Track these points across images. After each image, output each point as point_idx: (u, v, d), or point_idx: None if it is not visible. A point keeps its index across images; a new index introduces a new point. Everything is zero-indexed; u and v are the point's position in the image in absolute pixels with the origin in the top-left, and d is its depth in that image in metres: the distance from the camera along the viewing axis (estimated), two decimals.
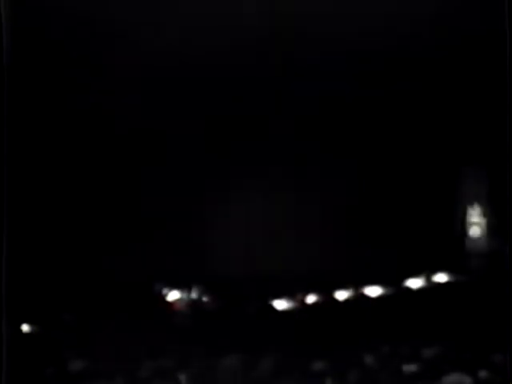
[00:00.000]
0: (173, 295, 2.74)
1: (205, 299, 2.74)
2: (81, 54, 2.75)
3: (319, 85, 2.75)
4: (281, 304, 2.74)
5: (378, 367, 2.69)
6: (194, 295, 2.74)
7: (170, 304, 2.73)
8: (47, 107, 2.75)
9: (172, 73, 2.75)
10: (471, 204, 2.79)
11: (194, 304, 2.74)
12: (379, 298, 2.74)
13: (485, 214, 2.77)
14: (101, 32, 2.75)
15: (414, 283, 2.74)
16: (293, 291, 2.75)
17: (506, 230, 2.71)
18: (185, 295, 2.74)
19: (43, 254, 2.71)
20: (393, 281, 2.74)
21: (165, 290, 2.74)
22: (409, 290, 2.74)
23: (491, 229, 2.77)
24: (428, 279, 2.75)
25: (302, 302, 2.75)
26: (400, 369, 2.69)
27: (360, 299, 2.73)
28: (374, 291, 2.74)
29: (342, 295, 2.74)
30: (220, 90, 2.75)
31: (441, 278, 2.74)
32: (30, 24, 2.74)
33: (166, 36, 2.73)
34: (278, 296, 2.75)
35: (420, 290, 2.74)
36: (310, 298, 2.75)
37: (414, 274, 2.75)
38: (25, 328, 2.68)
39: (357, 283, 2.75)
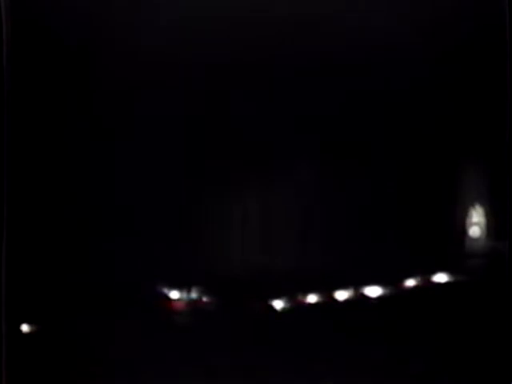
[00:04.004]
0: (173, 295, 2.74)
1: (205, 299, 2.74)
2: (82, 50, 2.75)
3: (317, 81, 2.75)
4: (281, 304, 2.75)
5: (378, 367, 2.69)
6: (193, 295, 2.75)
7: (170, 304, 2.73)
8: (48, 106, 2.75)
9: (172, 71, 2.75)
10: (471, 204, 2.79)
11: (194, 304, 2.74)
12: (379, 298, 2.74)
13: (485, 214, 2.77)
14: (102, 29, 2.76)
15: (414, 283, 2.74)
16: (293, 291, 2.75)
17: (506, 230, 2.71)
18: (185, 295, 2.74)
19: (43, 253, 2.71)
20: (393, 281, 2.74)
21: (165, 290, 2.74)
22: (408, 290, 2.74)
23: (491, 229, 2.76)
24: (428, 279, 2.74)
25: (303, 302, 2.75)
26: (399, 369, 2.69)
27: (360, 299, 2.73)
28: (373, 291, 2.74)
29: (341, 295, 2.74)
30: (218, 89, 2.76)
31: (441, 278, 2.74)
32: (31, 19, 2.74)
33: (163, 34, 2.74)
34: (278, 296, 2.75)
35: (419, 290, 2.74)
36: (311, 298, 2.75)
37: (414, 274, 2.74)
38: (25, 328, 2.69)
39: (357, 283, 2.75)
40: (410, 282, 2.74)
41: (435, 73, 2.75)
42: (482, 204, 2.77)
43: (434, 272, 2.74)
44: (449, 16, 2.75)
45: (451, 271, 2.74)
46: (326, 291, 2.74)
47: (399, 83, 2.74)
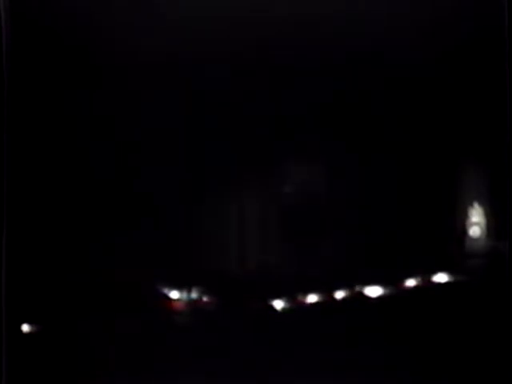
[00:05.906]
0: (173, 295, 2.74)
1: (205, 299, 2.74)
2: (82, 48, 2.75)
3: (316, 82, 2.75)
4: (281, 304, 2.75)
5: (378, 367, 2.69)
6: (193, 295, 2.74)
7: (170, 304, 2.73)
8: (48, 106, 2.75)
9: (172, 71, 2.75)
10: (471, 204, 2.79)
11: (194, 304, 2.74)
12: (379, 298, 2.73)
13: (485, 214, 2.77)
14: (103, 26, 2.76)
15: (414, 283, 2.74)
16: (293, 291, 2.75)
17: (506, 230, 2.71)
18: (185, 295, 2.74)
19: (43, 253, 2.71)
20: (393, 281, 2.74)
21: (165, 290, 2.74)
22: (408, 290, 2.74)
23: (491, 229, 2.76)
24: (428, 279, 2.74)
25: (303, 302, 2.75)
26: (399, 369, 2.69)
27: (360, 299, 2.73)
28: (373, 291, 2.74)
29: (341, 295, 2.74)
30: (216, 88, 2.76)
31: (441, 278, 2.74)
32: (31, 19, 2.75)
33: (162, 34, 2.74)
34: (278, 296, 2.75)
35: (419, 290, 2.74)
36: (311, 298, 2.75)
37: (414, 274, 2.74)
38: (25, 328, 2.69)
39: (357, 283, 2.75)
40: (410, 282, 2.73)
41: (435, 73, 2.75)
42: (482, 204, 2.77)
43: (434, 272, 2.74)
44: (449, 16, 2.75)
45: (451, 271, 2.73)
46: (326, 291, 2.74)
47: (398, 83, 2.74)
